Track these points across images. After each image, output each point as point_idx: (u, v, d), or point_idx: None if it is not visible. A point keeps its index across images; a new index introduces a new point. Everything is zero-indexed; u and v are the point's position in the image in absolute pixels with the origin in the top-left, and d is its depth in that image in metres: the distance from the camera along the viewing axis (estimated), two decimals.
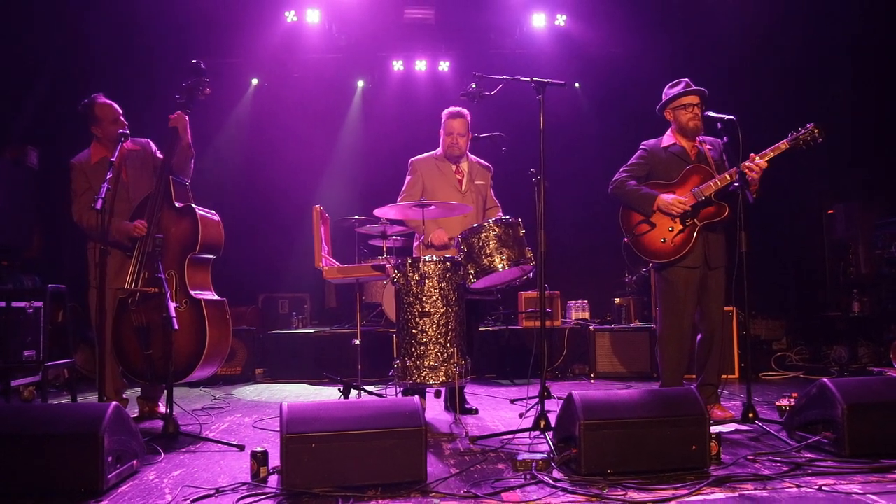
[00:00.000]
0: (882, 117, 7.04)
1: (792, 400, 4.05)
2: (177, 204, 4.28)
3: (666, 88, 4.50)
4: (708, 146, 4.45)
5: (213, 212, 4.43)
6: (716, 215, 4.25)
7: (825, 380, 3.38)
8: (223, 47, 8.08)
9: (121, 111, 4.51)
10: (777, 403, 4.22)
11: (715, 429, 3.27)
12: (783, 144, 4.13)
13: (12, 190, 6.22)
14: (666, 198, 4.27)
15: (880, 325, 6.61)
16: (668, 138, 4.49)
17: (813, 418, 3.43)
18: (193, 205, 4.30)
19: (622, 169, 4.51)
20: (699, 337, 4.40)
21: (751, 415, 3.83)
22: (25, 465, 2.81)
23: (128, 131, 4.34)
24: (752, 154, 4.08)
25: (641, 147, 4.56)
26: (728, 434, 3.78)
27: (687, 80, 4.46)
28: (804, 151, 4.13)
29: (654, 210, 4.30)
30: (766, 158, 4.10)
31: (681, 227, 4.26)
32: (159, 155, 4.57)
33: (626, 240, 4.43)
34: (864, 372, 6.20)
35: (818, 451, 3.29)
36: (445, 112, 4.85)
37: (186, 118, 4.38)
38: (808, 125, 4.10)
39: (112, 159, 3.99)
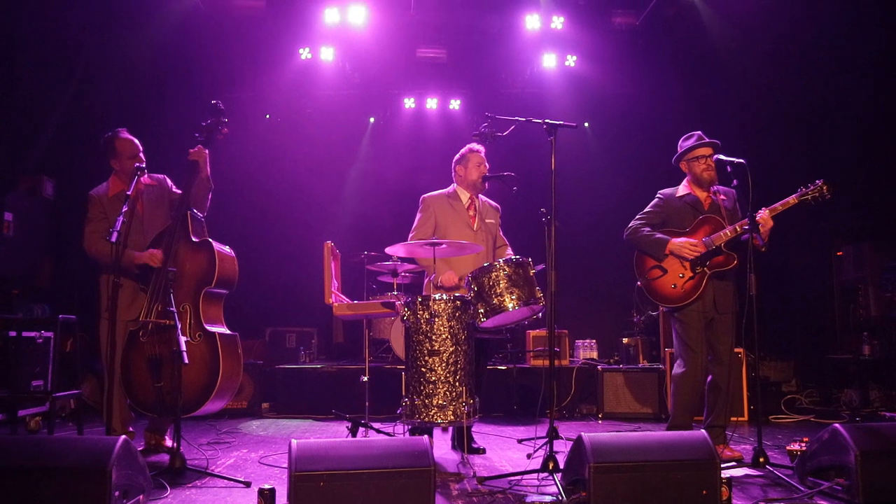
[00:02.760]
0: (892, 158, 7.05)
1: (803, 444, 4.00)
2: (193, 238, 4.33)
3: (680, 141, 4.64)
4: (722, 196, 4.56)
5: (228, 247, 4.48)
6: (725, 264, 4.36)
7: (837, 425, 3.35)
8: (238, 82, 8.21)
9: (141, 148, 4.58)
10: (788, 448, 4.18)
11: (726, 473, 3.23)
12: (792, 199, 4.24)
13: (26, 220, 6.28)
14: (678, 241, 4.41)
15: (892, 368, 6.55)
16: (683, 188, 4.63)
17: (825, 464, 3.40)
18: (210, 240, 4.35)
19: (637, 216, 4.65)
20: (709, 379, 4.46)
21: (761, 459, 3.80)
22: (32, 498, 2.79)
23: (144, 165, 4.41)
24: (763, 208, 4.17)
25: (658, 196, 4.70)
26: (739, 478, 3.74)
27: (699, 132, 4.59)
28: (812, 207, 4.19)
29: (667, 254, 4.43)
30: (775, 213, 4.20)
31: (691, 274, 4.39)
32: (176, 190, 4.67)
33: (639, 283, 4.57)
34: (875, 416, 6.13)
35: (831, 498, 3.25)
36: (467, 148, 4.93)
37: (206, 152, 4.48)
38: (817, 181, 4.20)
39: (128, 192, 4.04)
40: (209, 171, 4.50)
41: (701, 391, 4.42)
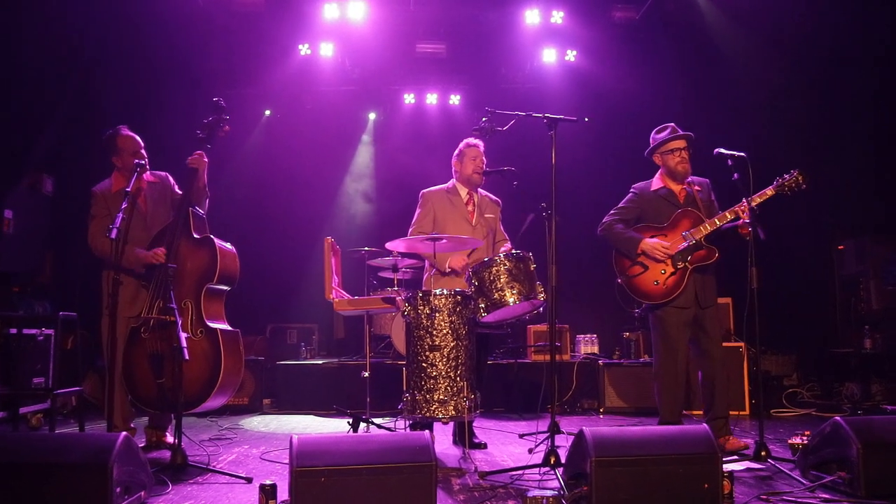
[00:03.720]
0: (894, 152, 7.03)
1: (805, 438, 4.00)
2: (195, 235, 4.33)
3: (653, 133, 4.62)
4: (697, 187, 4.54)
5: (229, 244, 4.48)
6: (706, 258, 4.36)
7: (839, 418, 3.35)
8: (237, 78, 8.19)
9: (142, 144, 4.59)
10: (789, 441, 4.18)
11: (727, 467, 3.23)
12: (769, 191, 4.24)
13: (26, 217, 6.28)
14: (650, 242, 4.40)
15: (893, 361, 6.54)
16: (656, 182, 4.60)
17: (827, 457, 3.39)
18: (212, 236, 4.36)
19: (611, 212, 4.63)
20: (700, 375, 4.47)
21: (763, 453, 3.79)
22: (33, 494, 2.80)
23: (143, 162, 4.41)
24: (743, 200, 4.16)
25: (631, 190, 4.68)
26: (740, 472, 3.74)
27: (673, 124, 4.57)
28: (789, 196, 4.21)
29: (639, 253, 4.42)
30: (754, 204, 4.16)
31: (672, 269, 4.38)
32: (178, 189, 4.67)
33: (619, 280, 4.54)
34: (877, 410, 6.12)
35: (833, 492, 3.25)
36: (464, 142, 4.90)
37: (206, 160, 4.47)
38: (792, 171, 4.21)
39: (128, 189, 4.04)
40: (206, 179, 4.51)
41: (684, 386, 4.43)
